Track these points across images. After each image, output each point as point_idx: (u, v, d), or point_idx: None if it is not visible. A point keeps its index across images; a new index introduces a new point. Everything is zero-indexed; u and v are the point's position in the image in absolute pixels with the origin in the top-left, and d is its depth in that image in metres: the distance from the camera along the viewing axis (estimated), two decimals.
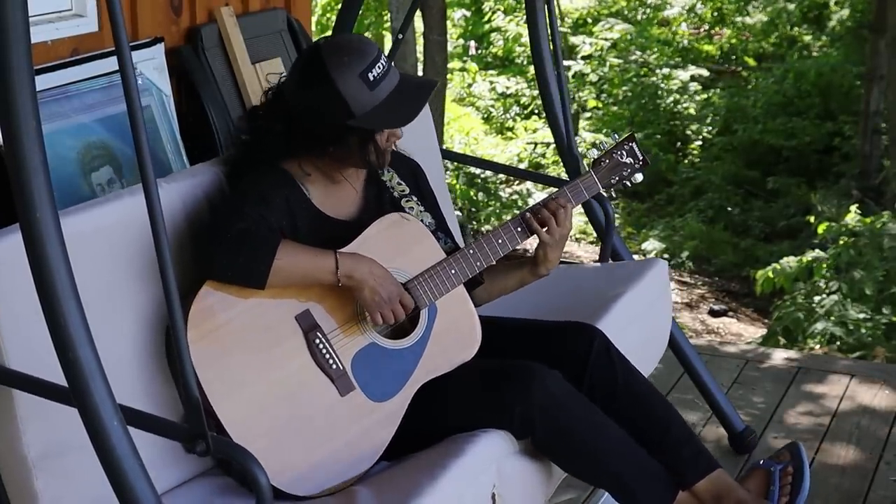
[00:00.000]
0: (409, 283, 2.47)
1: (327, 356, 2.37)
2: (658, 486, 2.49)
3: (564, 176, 3.73)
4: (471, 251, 2.54)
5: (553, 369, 2.45)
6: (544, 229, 2.60)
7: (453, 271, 2.52)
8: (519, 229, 2.60)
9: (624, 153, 2.73)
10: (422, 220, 2.63)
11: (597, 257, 3.53)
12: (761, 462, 2.69)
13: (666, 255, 11.51)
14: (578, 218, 10.93)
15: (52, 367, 1.94)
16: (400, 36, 3.63)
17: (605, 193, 2.76)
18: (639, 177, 2.75)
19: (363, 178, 2.61)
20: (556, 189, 2.71)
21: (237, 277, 2.30)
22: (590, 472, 2.52)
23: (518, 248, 2.64)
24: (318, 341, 2.37)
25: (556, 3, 3.47)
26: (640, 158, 2.74)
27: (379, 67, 2.43)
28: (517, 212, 12.12)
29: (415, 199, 2.70)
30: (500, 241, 2.58)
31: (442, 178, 3.41)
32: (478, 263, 2.55)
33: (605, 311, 2.91)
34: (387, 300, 2.39)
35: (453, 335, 2.53)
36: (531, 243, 2.67)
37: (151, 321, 2.36)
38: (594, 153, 2.76)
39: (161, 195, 1.75)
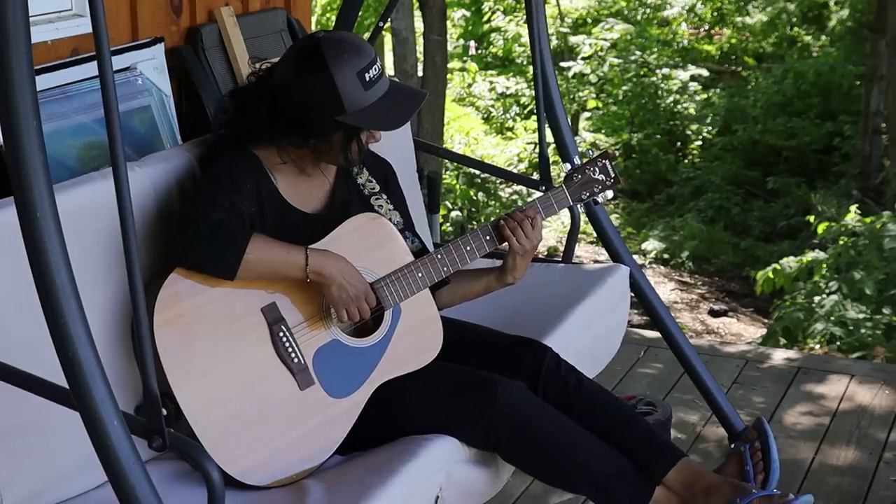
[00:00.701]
0: (375, 284, 2.50)
1: (290, 349, 2.41)
2: (634, 483, 2.52)
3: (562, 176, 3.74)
4: (439, 256, 2.58)
5: (516, 380, 2.49)
6: (515, 237, 2.63)
7: (420, 274, 2.55)
8: (488, 238, 2.63)
9: (597, 170, 2.77)
10: (390, 219, 2.66)
11: (597, 257, 3.55)
12: (732, 446, 2.75)
13: (666, 255, 11.53)
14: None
15: (26, 356, 1.97)
16: (381, 24, 3.62)
17: (572, 207, 2.82)
18: (609, 194, 2.79)
19: (333, 172, 2.64)
20: (535, 189, 2.72)
21: (207, 268, 2.33)
22: (564, 477, 2.55)
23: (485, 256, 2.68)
24: (281, 334, 2.40)
25: (546, 3, 3.45)
26: (612, 176, 2.78)
27: (375, 70, 2.46)
28: None
29: (384, 197, 2.73)
30: (468, 248, 2.61)
31: (413, 168, 3.45)
32: (445, 269, 2.58)
33: (564, 317, 2.99)
34: (353, 298, 2.42)
35: (415, 338, 2.56)
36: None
37: (119, 304, 2.39)
38: (568, 167, 2.82)
39: (132, 178, 1.75)
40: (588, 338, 3.05)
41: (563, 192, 2.74)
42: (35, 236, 1.60)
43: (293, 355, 2.41)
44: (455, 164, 11.63)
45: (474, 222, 11.82)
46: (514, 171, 12.59)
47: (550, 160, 3.48)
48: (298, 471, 2.39)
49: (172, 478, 2.37)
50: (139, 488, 1.68)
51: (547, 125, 3.48)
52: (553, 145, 3.54)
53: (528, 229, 2.63)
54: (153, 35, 3.04)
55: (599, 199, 2.79)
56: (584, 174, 2.77)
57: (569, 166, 2.81)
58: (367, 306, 2.45)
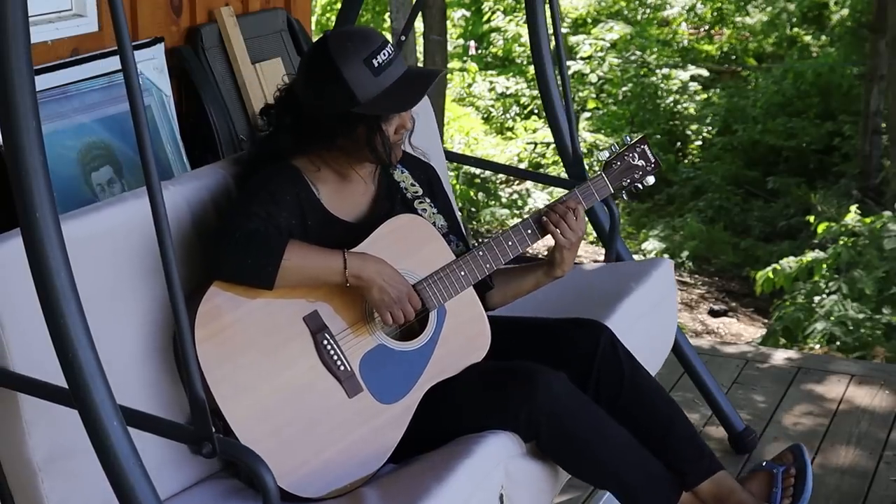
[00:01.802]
0: (418, 285, 2.46)
1: (335, 357, 2.36)
2: (662, 489, 2.49)
3: (564, 175, 3.73)
4: (480, 253, 2.53)
5: (558, 371, 2.44)
6: (560, 230, 2.58)
7: (463, 273, 2.50)
8: (529, 231, 2.59)
9: (636, 155, 2.71)
10: (434, 223, 2.62)
11: (596, 258, 3.55)
12: (763, 464, 2.68)
13: (666, 255, 11.52)
14: None
15: (57, 370, 1.95)
16: (403, 38, 3.62)
17: (615, 196, 2.76)
18: (650, 179, 2.73)
19: (375, 176, 2.59)
20: (566, 191, 2.69)
21: (245, 278, 2.29)
22: (594, 475, 2.52)
23: (528, 250, 2.64)
24: (326, 342, 2.36)
25: (558, 2, 3.43)
26: (652, 161, 2.72)
27: (384, 54, 2.41)
28: (517, 212, 12.00)
29: (428, 200, 2.69)
30: (510, 243, 2.56)
31: (448, 181, 3.41)
32: (487, 265, 2.53)
33: (612, 310, 2.90)
34: (396, 300, 2.38)
35: (462, 338, 2.52)
36: (540, 245, 2.66)
37: (158, 323, 2.36)
38: (605, 155, 2.74)
39: (165, 197, 1.75)
40: (639, 334, 2.91)
41: (602, 180, 2.68)
42: (34, 237, 1.60)
43: (339, 363, 2.37)
44: (455, 164, 11.63)
45: (474, 222, 11.82)
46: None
47: (550, 160, 3.46)
48: (353, 479, 2.34)
49: (224, 495, 2.34)
50: (139, 488, 1.67)
51: (547, 125, 3.48)
52: (553, 146, 3.53)
53: (571, 221, 2.58)
54: (153, 35, 3.04)
55: (641, 185, 2.72)
56: (622, 160, 2.71)
57: (606, 154, 2.73)
58: (411, 308, 2.40)
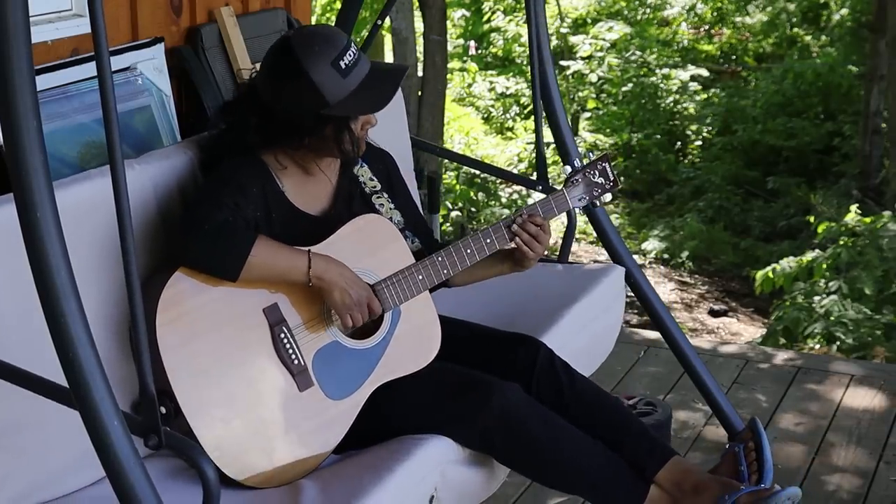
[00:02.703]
0: (376, 286, 2.52)
1: (290, 351, 2.42)
2: (629, 484, 2.53)
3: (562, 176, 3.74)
4: (440, 259, 2.59)
5: (511, 381, 2.50)
6: (531, 247, 2.66)
7: (420, 277, 2.56)
8: (489, 241, 2.65)
9: (596, 173, 2.79)
10: (391, 218, 2.68)
11: (597, 257, 3.58)
12: (727, 447, 2.76)
13: (666, 255, 11.52)
14: (579, 218, 10.91)
15: (9, 345, 1.95)
16: (379, 22, 3.63)
17: (571, 211, 2.87)
18: (607, 197, 2.82)
19: (337, 170, 2.65)
20: (533, 188, 2.72)
21: (211, 268, 2.33)
22: (560, 481, 2.56)
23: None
24: (282, 335, 2.41)
25: (547, 3, 3.44)
26: (611, 179, 2.80)
27: (350, 55, 2.46)
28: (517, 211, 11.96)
29: (385, 195, 2.75)
30: (468, 251, 2.62)
31: (410, 166, 3.48)
32: (444, 271, 2.60)
33: (560, 316, 3.02)
34: (356, 303, 2.44)
35: (414, 340, 2.58)
36: None
37: (117, 304, 2.39)
38: (567, 169, 2.82)
39: (131, 176, 1.76)
40: (584, 337, 3.07)
41: (563, 196, 2.76)
42: (35, 236, 1.60)
43: (293, 356, 2.42)
44: (455, 164, 11.63)
45: (474, 222, 11.82)
46: (514, 171, 12.59)
47: (549, 160, 3.50)
48: (295, 471, 2.39)
49: (169, 474, 2.38)
50: (139, 487, 1.68)
51: (547, 125, 3.49)
52: (553, 146, 3.54)
53: (542, 238, 2.66)
54: (153, 35, 3.04)
55: (598, 202, 2.81)
56: (584, 177, 2.78)
57: (569, 169, 2.82)
58: (369, 311, 2.47)
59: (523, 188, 12.37)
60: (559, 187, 2.80)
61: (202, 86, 3.13)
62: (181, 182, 2.58)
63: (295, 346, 2.42)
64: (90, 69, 2.81)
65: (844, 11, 14.22)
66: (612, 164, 2.83)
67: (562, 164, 3.54)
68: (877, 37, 11.79)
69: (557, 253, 3.56)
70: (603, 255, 3.84)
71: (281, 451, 2.39)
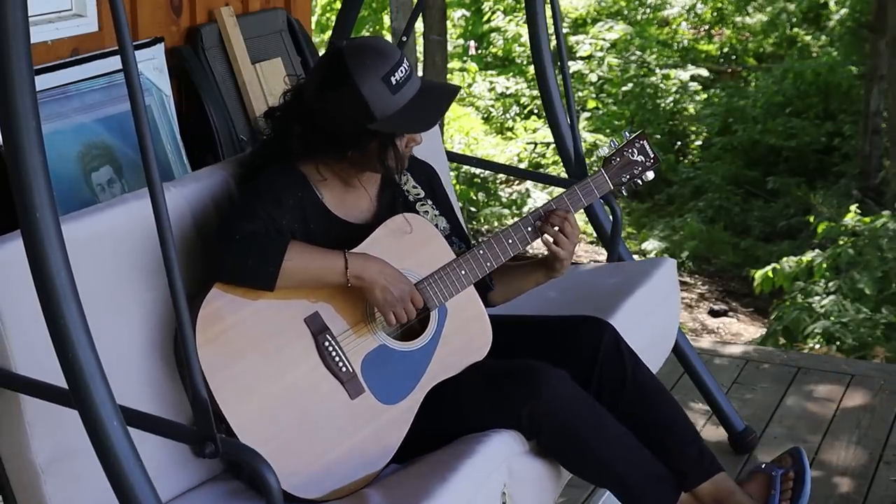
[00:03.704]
0: (419, 284, 2.45)
1: (337, 359, 2.36)
2: (662, 489, 2.49)
3: (564, 175, 3.73)
4: (481, 251, 2.53)
5: (560, 369, 2.44)
6: (558, 242, 2.59)
7: (463, 272, 2.50)
8: (529, 229, 2.59)
9: (635, 151, 2.71)
10: (436, 225, 2.62)
11: (596, 257, 3.55)
12: (763, 466, 2.68)
13: (666, 255, 11.52)
14: (578, 217, 10.90)
15: (58, 371, 1.94)
16: (404, 39, 3.63)
17: (615, 192, 2.75)
18: (650, 175, 2.73)
19: (378, 182, 2.59)
20: (564, 189, 2.70)
21: (246, 279, 2.29)
22: (594, 474, 2.52)
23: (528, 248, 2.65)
24: (327, 344, 2.36)
25: (558, 2, 3.43)
26: (652, 156, 2.71)
27: (401, 72, 2.40)
28: (517, 212, 11.98)
29: (430, 202, 2.69)
30: (510, 241, 2.56)
31: (450, 183, 3.41)
32: (488, 264, 2.53)
33: (615, 309, 2.91)
34: (398, 299, 2.38)
35: (464, 337, 2.52)
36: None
37: (159, 323, 2.36)
38: (604, 150, 2.74)
39: (168, 199, 1.74)
40: (642, 332, 2.93)
41: (602, 177, 2.68)
42: (35, 237, 1.60)
43: (341, 364, 2.37)
44: (455, 163, 11.62)
45: (474, 222, 11.82)
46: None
47: (550, 160, 3.47)
48: (356, 480, 2.34)
49: (227, 497, 2.34)
50: (139, 488, 1.67)
51: (547, 125, 3.48)
52: (553, 146, 3.53)
53: (568, 230, 2.60)
54: (153, 35, 3.04)
55: (640, 181, 2.72)
56: (622, 156, 2.71)
57: (604, 150, 2.73)
58: (413, 307, 2.41)
59: (524, 188, 12.42)
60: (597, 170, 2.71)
61: (202, 86, 3.13)
62: (217, 202, 2.53)
63: (341, 354, 2.37)
64: (90, 69, 2.81)
65: (844, 11, 14.22)
66: (650, 141, 2.73)
67: (562, 165, 3.53)
68: (877, 37, 11.78)
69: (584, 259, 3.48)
70: (603, 254, 3.83)
71: (338, 462, 2.33)
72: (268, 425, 2.28)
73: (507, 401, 2.40)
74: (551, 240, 2.59)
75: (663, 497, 2.49)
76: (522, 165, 13.50)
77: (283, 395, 2.31)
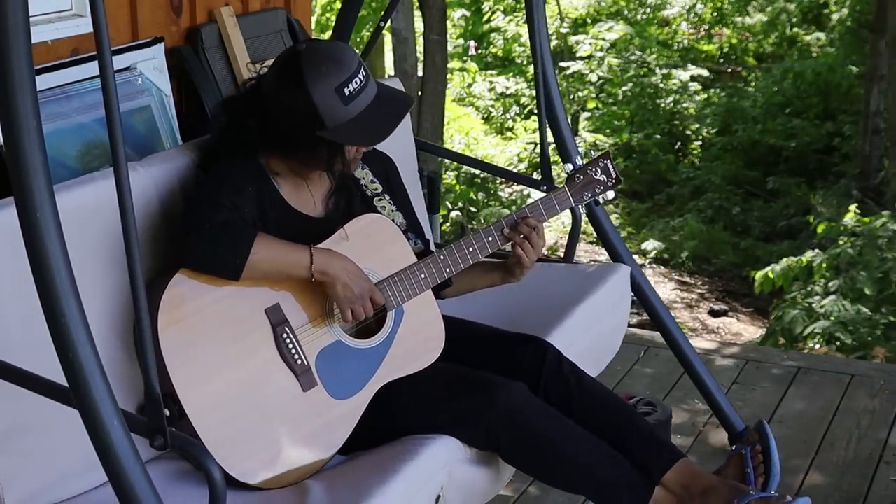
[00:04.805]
0: (378, 285, 2.51)
1: (293, 351, 2.41)
2: (635, 485, 2.52)
3: (563, 175, 3.74)
4: (441, 257, 2.59)
5: (517, 380, 2.49)
6: (524, 250, 2.65)
7: (423, 276, 2.56)
8: (490, 239, 2.65)
9: (598, 170, 2.78)
10: (393, 220, 2.67)
11: (596, 257, 3.57)
12: (734, 448, 2.74)
13: (666, 255, 11.52)
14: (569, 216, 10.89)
15: (17, 349, 1.97)
16: (381, 24, 3.63)
17: (575, 208, 2.85)
18: (610, 194, 2.81)
19: (329, 178, 2.63)
20: (537, 189, 2.73)
21: (213, 268, 2.33)
22: (565, 479, 2.55)
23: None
24: (285, 336, 2.41)
25: (547, 3, 3.44)
26: (614, 176, 2.79)
27: (356, 82, 2.43)
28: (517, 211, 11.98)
29: (387, 197, 2.74)
30: (471, 249, 2.62)
31: (415, 171, 3.46)
32: (447, 270, 2.59)
33: (566, 316, 3.00)
34: (358, 296, 2.43)
35: (417, 339, 2.57)
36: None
37: (121, 305, 2.39)
38: (569, 167, 2.82)
39: (134, 178, 1.75)
40: (589, 337, 3.05)
41: (565, 193, 2.76)
42: (35, 237, 1.60)
43: (296, 357, 2.41)
44: (455, 163, 11.62)
45: (474, 222, 11.82)
46: (514, 171, 12.57)
47: (550, 160, 3.49)
48: (300, 471, 2.39)
49: (174, 477, 2.38)
50: (139, 488, 1.68)
51: (547, 125, 3.48)
52: (553, 145, 3.54)
53: (535, 240, 2.66)
54: (153, 35, 3.04)
55: (600, 199, 2.81)
56: (585, 174, 2.78)
57: (570, 167, 2.82)
58: (371, 306, 2.46)
59: (524, 188, 12.42)
60: (561, 185, 2.80)
61: (202, 86, 3.13)
62: (184, 184, 2.58)
63: (298, 347, 2.42)
64: (90, 69, 2.81)
65: (844, 11, 14.22)
66: (613, 161, 2.83)
67: (563, 164, 3.55)
68: (877, 37, 11.79)
69: (561, 253, 3.54)
70: (603, 254, 3.84)
71: (286, 452, 2.38)
72: (220, 411, 2.33)
73: (465, 410, 2.45)
74: (520, 250, 2.66)
75: (638, 491, 2.52)
76: (522, 165, 13.51)
77: (237, 383, 2.36)
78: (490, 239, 2.64)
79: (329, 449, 2.43)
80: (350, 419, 2.46)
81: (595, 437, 2.52)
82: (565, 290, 3.18)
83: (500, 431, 2.43)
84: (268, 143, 2.51)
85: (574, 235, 3.48)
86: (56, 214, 1.61)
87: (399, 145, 3.06)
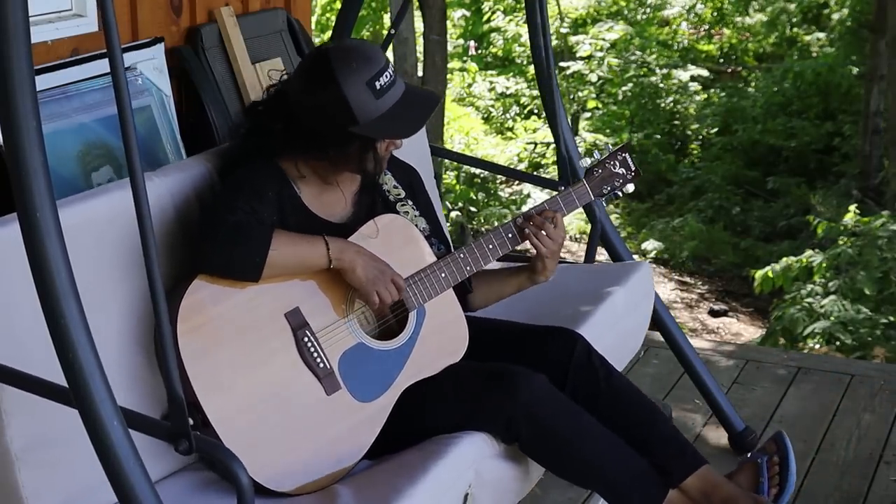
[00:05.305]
0: None
1: (315, 355, 2.38)
2: (648, 486, 2.50)
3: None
4: (461, 255, 2.56)
5: (539, 372, 2.46)
6: (539, 241, 2.62)
7: (444, 275, 2.53)
8: (510, 235, 2.62)
9: (617, 164, 2.76)
10: (416, 225, 2.64)
11: (596, 257, 3.56)
12: (749, 455, 2.72)
13: (666, 255, 11.52)
14: (578, 218, 10.94)
15: (38, 361, 1.95)
16: (393, 31, 3.63)
17: (596, 205, 2.80)
18: (630, 188, 2.78)
19: (357, 182, 2.61)
20: (555, 191, 2.73)
21: (232, 271, 2.31)
22: (578, 475, 2.53)
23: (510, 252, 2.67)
24: (306, 339, 2.38)
25: (548, 2, 3.43)
26: (633, 170, 2.77)
27: (386, 76, 2.43)
28: (517, 212, 12.00)
29: (410, 203, 2.71)
30: (490, 246, 2.59)
31: (433, 184, 3.43)
32: (468, 268, 2.57)
33: (590, 314, 2.96)
34: (380, 277, 2.40)
35: (441, 338, 2.54)
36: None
37: (140, 314, 2.37)
38: (587, 161, 2.79)
39: (150, 189, 1.75)
40: (613, 335, 2.98)
41: (584, 188, 2.72)
42: (35, 237, 1.60)
43: (318, 360, 2.38)
44: (455, 163, 11.62)
45: (474, 222, 11.82)
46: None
47: (550, 160, 3.48)
48: (327, 476, 2.36)
49: (199, 487, 2.35)
50: (139, 488, 1.67)
51: (546, 125, 3.49)
52: (552, 146, 3.54)
53: (550, 230, 2.62)
54: (153, 35, 3.04)
55: (620, 193, 2.77)
56: (604, 168, 2.75)
57: (588, 161, 2.78)
58: (395, 288, 2.42)
59: (524, 188, 12.41)
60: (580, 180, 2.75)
61: (202, 86, 3.13)
62: (199, 193, 2.55)
63: (319, 350, 2.38)
64: (90, 69, 2.81)
65: (844, 11, 14.22)
66: (633, 154, 2.78)
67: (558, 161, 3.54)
68: (877, 37, 11.79)
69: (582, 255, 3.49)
70: (603, 255, 3.83)
71: (312, 457, 2.35)
72: (244, 417, 2.31)
73: (485, 404, 2.42)
74: (536, 240, 2.62)
75: (651, 493, 2.50)
76: (522, 165, 13.50)
77: (260, 389, 2.33)
78: (510, 235, 2.62)
79: (356, 452, 2.40)
80: (376, 421, 2.42)
81: (613, 435, 2.49)
82: (588, 290, 3.13)
83: (521, 423, 2.39)
84: (294, 146, 2.48)
85: (594, 236, 3.43)
86: (56, 215, 1.61)
87: (416, 154, 3.01)
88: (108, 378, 2.22)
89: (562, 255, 2.74)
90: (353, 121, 2.41)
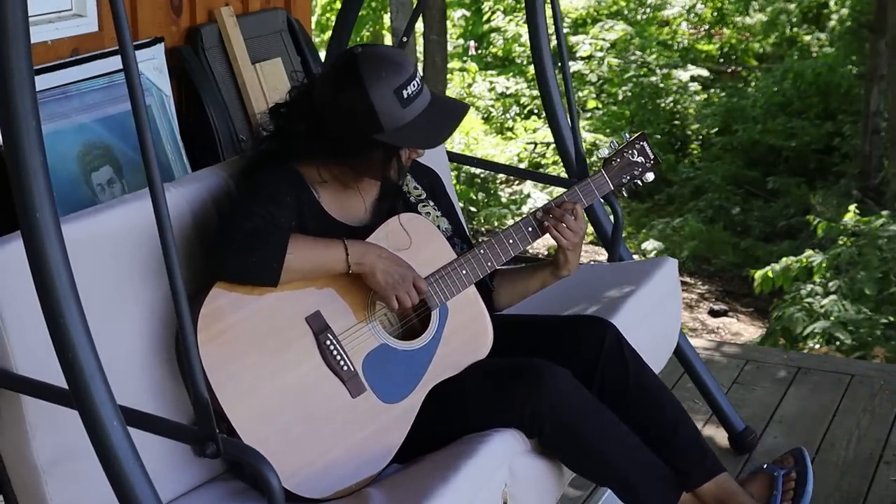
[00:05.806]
0: None
1: (338, 357, 2.36)
2: (663, 488, 2.49)
3: (564, 175, 3.74)
4: (482, 251, 2.53)
5: (563, 367, 2.44)
6: (560, 233, 2.58)
7: (464, 272, 2.51)
8: (530, 229, 2.60)
9: (635, 152, 2.73)
10: (438, 226, 2.63)
11: (596, 257, 3.55)
12: (765, 466, 2.68)
13: (666, 255, 11.51)
14: None
15: (60, 372, 1.94)
16: (404, 39, 3.63)
17: (615, 193, 2.77)
18: (650, 176, 2.75)
19: (377, 188, 2.58)
20: (565, 189, 2.70)
21: (249, 277, 2.28)
22: (596, 472, 2.52)
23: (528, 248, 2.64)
24: (328, 343, 2.36)
25: (558, 1, 3.42)
26: (652, 158, 2.73)
27: (414, 85, 2.40)
28: (517, 212, 11.98)
29: (431, 203, 2.70)
30: (510, 241, 2.57)
31: (451, 186, 3.41)
32: (489, 263, 2.54)
33: (616, 309, 2.91)
34: (400, 281, 2.37)
35: (465, 336, 2.52)
36: (540, 244, 2.68)
37: (160, 324, 2.36)
38: (604, 152, 2.75)
39: (167, 199, 1.74)
40: (644, 330, 2.92)
41: (602, 178, 2.70)
42: (35, 238, 1.60)
43: (342, 363, 2.36)
44: (455, 163, 11.60)
45: (474, 222, 11.82)
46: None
47: (550, 160, 3.48)
48: (357, 480, 2.34)
49: (228, 497, 2.34)
50: (139, 488, 1.67)
51: (546, 125, 3.49)
52: (552, 145, 3.54)
53: (570, 222, 2.59)
54: (153, 35, 3.04)
55: (640, 181, 2.74)
56: (622, 157, 2.72)
57: (605, 151, 2.75)
58: (416, 291, 2.40)
59: (524, 189, 12.41)
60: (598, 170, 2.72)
61: (202, 86, 3.13)
62: (217, 202, 2.53)
63: (343, 353, 2.36)
64: (90, 69, 2.81)
65: (844, 11, 14.22)
66: (650, 142, 2.74)
67: (563, 165, 3.53)
68: (877, 37, 11.78)
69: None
70: (603, 254, 3.83)
71: (341, 461, 2.32)
72: (269, 424, 2.28)
73: (510, 399, 2.40)
74: (557, 232, 2.58)
75: (665, 496, 2.49)
76: (522, 165, 13.50)
77: (284, 394, 2.31)
78: (530, 229, 2.59)
79: (385, 455, 2.38)
80: (404, 422, 2.40)
81: (634, 436, 2.47)
82: (612, 286, 3.09)
83: (544, 417, 2.37)
84: (317, 149, 2.46)
85: (616, 234, 3.38)
86: (55, 215, 1.61)
87: (434, 158, 3.00)
88: (132, 388, 2.23)
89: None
90: (379, 128, 2.38)
